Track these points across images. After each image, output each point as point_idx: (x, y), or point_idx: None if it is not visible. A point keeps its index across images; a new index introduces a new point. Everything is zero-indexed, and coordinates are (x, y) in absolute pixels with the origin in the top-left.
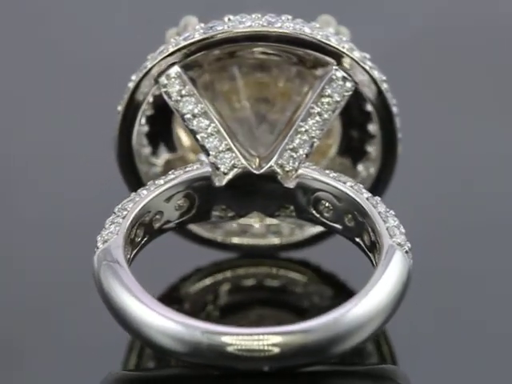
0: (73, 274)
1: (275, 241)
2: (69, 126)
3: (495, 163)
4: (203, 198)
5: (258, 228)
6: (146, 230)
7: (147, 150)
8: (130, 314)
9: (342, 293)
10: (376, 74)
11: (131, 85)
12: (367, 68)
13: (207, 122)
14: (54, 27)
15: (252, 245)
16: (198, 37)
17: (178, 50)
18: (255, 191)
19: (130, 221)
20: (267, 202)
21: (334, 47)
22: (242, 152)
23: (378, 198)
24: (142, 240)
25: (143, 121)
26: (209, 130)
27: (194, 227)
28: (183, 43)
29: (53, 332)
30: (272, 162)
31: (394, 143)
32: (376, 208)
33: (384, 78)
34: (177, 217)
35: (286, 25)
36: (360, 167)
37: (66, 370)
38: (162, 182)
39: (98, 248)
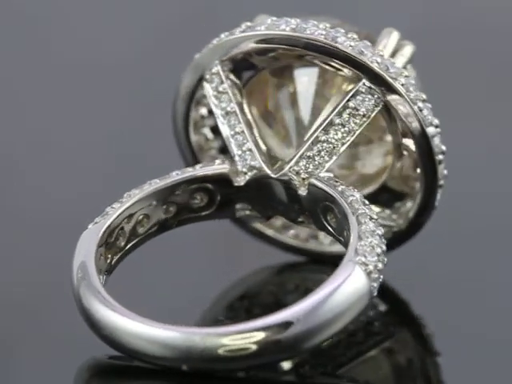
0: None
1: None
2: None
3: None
4: (224, 195)
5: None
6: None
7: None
8: (112, 328)
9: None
10: (424, 112)
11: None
12: (415, 108)
13: (235, 122)
14: (53, 26)
15: (318, 251)
16: (237, 34)
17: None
18: (274, 194)
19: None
20: (286, 206)
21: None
22: (263, 154)
23: (370, 215)
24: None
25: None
26: (236, 129)
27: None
28: (224, 38)
29: (36, 319)
30: (287, 168)
31: (433, 191)
32: (361, 225)
33: (436, 121)
34: (188, 211)
35: (347, 43)
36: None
37: (48, 354)
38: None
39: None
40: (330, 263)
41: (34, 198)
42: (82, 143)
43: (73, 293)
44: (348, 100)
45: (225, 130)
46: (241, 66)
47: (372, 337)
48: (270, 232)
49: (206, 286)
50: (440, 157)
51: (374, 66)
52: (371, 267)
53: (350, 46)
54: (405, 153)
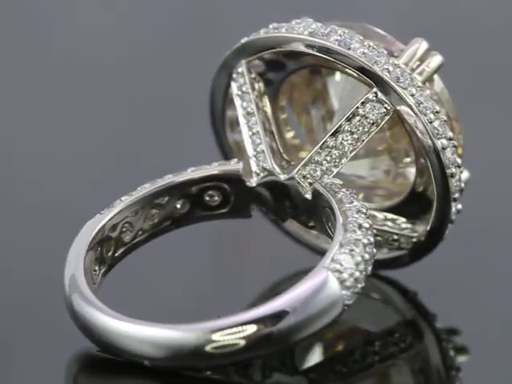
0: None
1: None
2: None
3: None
4: (238, 195)
5: None
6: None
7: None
8: (98, 328)
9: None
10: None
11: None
12: (424, 119)
13: (253, 122)
14: (52, 26)
15: None
16: (261, 35)
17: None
18: (285, 197)
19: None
20: (296, 210)
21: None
22: (277, 156)
23: (360, 224)
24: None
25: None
26: (253, 130)
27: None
28: (245, 39)
29: (24, 312)
30: (295, 171)
31: (447, 204)
32: (346, 233)
33: (449, 134)
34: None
35: (360, 50)
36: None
37: (39, 344)
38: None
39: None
40: None
41: (34, 197)
42: (81, 142)
43: (64, 299)
44: (358, 107)
45: (244, 130)
46: (270, 66)
47: (389, 347)
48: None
49: (212, 287)
50: (453, 170)
51: (383, 75)
52: (346, 275)
53: (363, 53)
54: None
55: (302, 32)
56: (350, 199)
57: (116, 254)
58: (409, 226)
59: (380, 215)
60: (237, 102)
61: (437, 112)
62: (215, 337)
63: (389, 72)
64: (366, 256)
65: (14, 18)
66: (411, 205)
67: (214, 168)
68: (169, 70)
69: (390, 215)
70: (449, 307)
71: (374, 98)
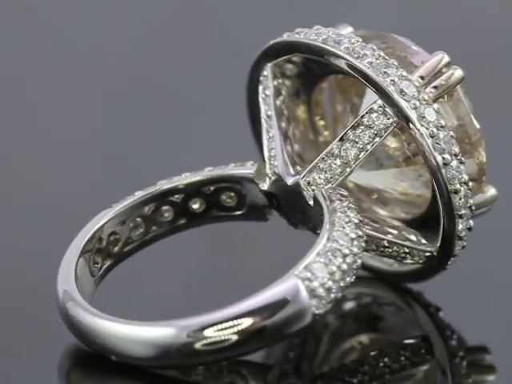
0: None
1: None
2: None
3: None
4: (253, 197)
5: None
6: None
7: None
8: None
9: None
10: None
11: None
12: (425, 132)
13: (270, 126)
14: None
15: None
16: (285, 37)
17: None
18: (294, 202)
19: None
20: (303, 215)
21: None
22: (290, 161)
23: (345, 233)
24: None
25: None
26: (270, 134)
27: None
28: (270, 43)
29: (14, 308)
30: (299, 177)
31: (451, 221)
32: (328, 241)
33: (455, 150)
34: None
35: (368, 60)
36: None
37: (32, 339)
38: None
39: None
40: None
41: (34, 197)
42: (84, 142)
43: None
44: (362, 116)
45: (263, 133)
46: (303, 67)
47: (401, 361)
48: None
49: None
50: (457, 186)
51: (386, 86)
52: (316, 284)
53: (371, 63)
54: None
55: (315, 39)
56: (345, 209)
57: (125, 249)
58: (422, 240)
59: (395, 228)
60: (261, 105)
61: (441, 126)
62: (207, 333)
63: (394, 83)
64: (344, 266)
65: (13, 20)
66: (426, 219)
67: (231, 169)
68: (169, 70)
69: (404, 228)
70: (470, 324)
71: (378, 109)
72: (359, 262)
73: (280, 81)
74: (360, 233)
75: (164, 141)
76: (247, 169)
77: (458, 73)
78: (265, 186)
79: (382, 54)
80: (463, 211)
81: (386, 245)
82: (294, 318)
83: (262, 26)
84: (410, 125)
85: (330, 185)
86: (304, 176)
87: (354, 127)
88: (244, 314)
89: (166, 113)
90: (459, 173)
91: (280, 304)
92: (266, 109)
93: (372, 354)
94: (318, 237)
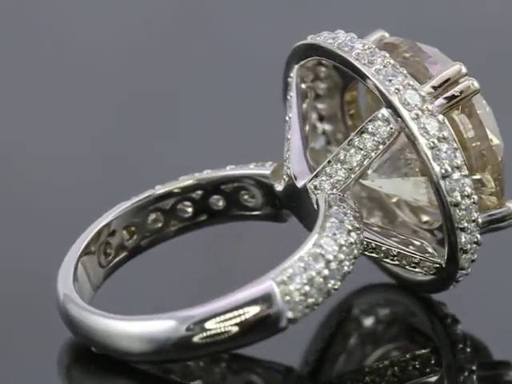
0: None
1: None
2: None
3: None
4: (269, 198)
5: None
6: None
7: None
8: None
9: None
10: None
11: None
12: (424, 143)
13: (288, 128)
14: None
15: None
16: (308, 40)
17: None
18: (303, 205)
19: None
20: (311, 219)
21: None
22: (301, 164)
23: (329, 241)
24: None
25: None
26: (288, 136)
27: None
28: (296, 44)
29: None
30: (306, 181)
31: (453, 233)
32: (313, 247)
33: (458, 162)
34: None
35: (376, 67)
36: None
37: (30, 334)
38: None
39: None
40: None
41: (34, 197)
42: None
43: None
44: (367, 123)
45: (285, 134)
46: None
47: (409, 371)
48: None
49: None
50: (457, 199)
51: (389, 94)
52: (291, 288)
53: (378, 70)
54: None
55: (331, 43)
56: (340, 215)
57: (142, 243)
58: (429, 250)
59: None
60: (286, 106)
61: (444, 138)
62: (208, 325)
63: (398, 92)
64: (326, 272)
65: (13, 20)
66: (437, 230)
67: (250, 168)
68: (171, 69)
69: (418, 238)
70: (491, 339)
71: (382, 117)
72: (347, 268)
73: (310, 84)
74: (352, 239)
75: (164, 140)
76: (266, 169)
77: (473, 85)
78: (279, 187)
79: (392, 61)
80: (466, 224)
81: (395, 254)
82: (265, 323)
83: (262, 26)
84: (410, 135)
85: (334, 190)
86: (311, 180)
87: (359, 133)
88: (210, 317)
89: (167, 113)
90: (461, 185)
91: (250, 307)
92: (288, 111)
93: (382, 363)
94: (305, 241)
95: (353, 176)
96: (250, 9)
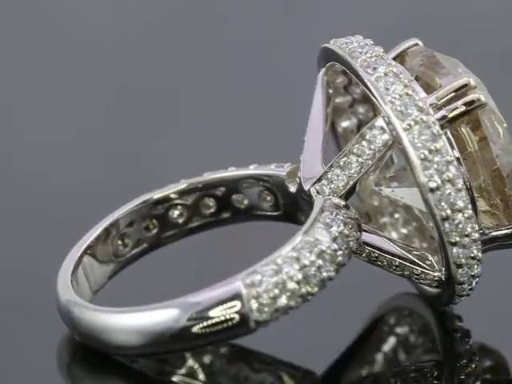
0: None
1: None
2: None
3: None
4: (286, 199)
5: None
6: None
7: None
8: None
9: None
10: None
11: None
12: (413, 154)
13: (306, 131)
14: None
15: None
16: (330, 45)
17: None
18: (311, 209)
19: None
20: None
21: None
22: (313, 166)
23: (307, 245)
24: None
25: None
26: (305, 138)
27: None
28: (325, 45)
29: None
30: (309, 184)
31: (444, 248)
32: (291, 251)
33: (449, 174)
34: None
35: (377, 75)
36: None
37: (29, 329)
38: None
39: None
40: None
41: (33, 197)
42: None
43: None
44: (365, 131)
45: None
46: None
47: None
48: None
49: None
50: (447, 212)
51: (383, 103)
52: (260, 290)
53: (378, 77)
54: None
55: (343, 47)
56: (330, 222)
57: (163, 235)
58: (430, 259)
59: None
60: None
61: (436, 150)
62: (212, 313)
63: (393, 101)
64: (299, 276)
65: (13, 20)
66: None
67: (271, 169)
68: (171, 69)
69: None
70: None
71: (378, 125)
72: (326, 274)
73: (333, 89)
74: (336, 246)
75: (165, 141)
76: (283, 170)
77: (478, 98)
78: (292, 188)
79: (395, 70)
80: (457, 239)
81: (396, 264)
82: (229, 323)
83: (262, 27)
84: (400, 145)
85: (336, 195)
86: (314, 183)
87: (357, 141)
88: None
89: (168, 113)
90: (451, 199)
91: (214, 306)
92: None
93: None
94: (286, 244)
95: (351, 183)
96: (250, 9)
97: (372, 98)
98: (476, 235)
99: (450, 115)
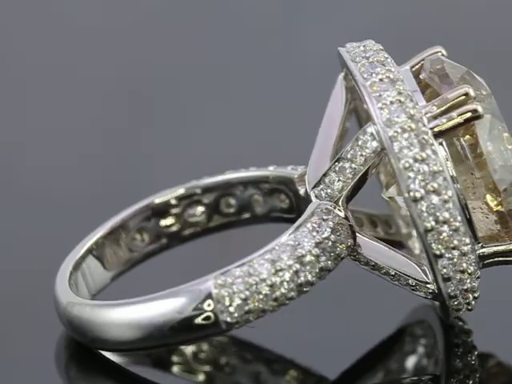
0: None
1: None
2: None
3: None
4: (299, 202)
5: None
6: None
7: None
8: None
9: None
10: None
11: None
12: (395, 164)
13: (318, 134)
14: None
15: None
16: (342, 49)
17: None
18: None
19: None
20: None
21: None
22: (319, 169)
23: (283, 249)
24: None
25: None
26: (316, 140)
27: None
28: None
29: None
30: (309, 188)
31: (430, 260)
32: (266, 253)
33: (433, 185)
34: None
35: (373, 80)
36: None
37: (27, 326)
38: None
39: None
40: None
41: (34, 196)
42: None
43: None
44: (358, 137)
45: None
46: None
47: None
48: None
49: None
50: (432, 223)
51: (373, 109)
52: (230, 291)
53: (373, 82)
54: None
55: (350, 51)
56: (316, 228)
57: (182, 233)
58: (420, 273)
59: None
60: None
61: (422, 159)
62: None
63: (383, 108)
64: (273, 280)
65: (12, 21)
66: None
67: (288, 171)
68: (172, 69)
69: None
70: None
71: (369, 132)
72: (304, 279)
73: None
74: (317, 251)
75: (166, 142)
76: (297, 173)
77: (474, 109)
78: (301, 191)
79: (392, 76)
80: (443, 251)
81: (393, 274)
82: (195, 322)
83: (262, 27)
84: (387, 153)
85: (333, 199)
86: (314, 188)
87: (351, 146)
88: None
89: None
90: (436, 210)
91: (187, 305)
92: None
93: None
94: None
95: (347, 188)
96: (251, 9)
97: (364, 103)
98: (465, 248)
99: (444, 125)
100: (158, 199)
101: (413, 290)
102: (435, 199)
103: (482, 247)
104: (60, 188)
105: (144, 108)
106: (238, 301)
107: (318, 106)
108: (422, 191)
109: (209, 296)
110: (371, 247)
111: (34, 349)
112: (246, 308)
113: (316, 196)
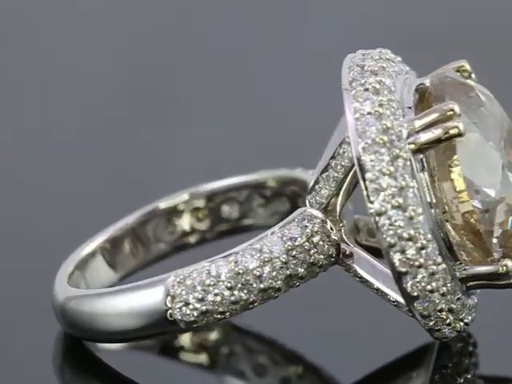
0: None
1: None
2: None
3: None
4: None
5: None
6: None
7: None
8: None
9: None
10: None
11: None
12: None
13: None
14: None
15: None
16: (347, 56)
17: None
18: None
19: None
20: None
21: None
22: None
23: (249, 253)
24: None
25: None
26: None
27: None
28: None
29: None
30: (307, 196)
31: (399, 287)
32: (233, 255)
33: (398, 200)
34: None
35: (359, 88)
36: None
37: (27, 323)
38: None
39: None
40: None
41: (33, 196)
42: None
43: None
44: (340, 146)
45: None
46: None
47: None
48: None
49: None
50: (395, 239)
51: (350, 119)
52: (188, 290)
53: (357, 92)
54: None
55: (353, 56)
56: (290, 234)
57: (215, 229)
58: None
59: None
60: None
61: (389, 173)
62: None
63: (359, 118)
64: (232, 283)
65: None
66: None
67: (299, 173)
68: (172, 70)
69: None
70: None
71: (347, 141)
72: (268, 284)
73: None
74: (285, 258)
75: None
76: (310, 176)
77: (455, 128)
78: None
79: (378, 86)
80: (408, 269)
81: (376, 288)
82: (154, 317)
83: (262, 27)
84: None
85: (322, 207)
86: (308, 194)
87: (333, 156)
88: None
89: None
90: (398, 227)
91: (143, 301)
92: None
93: None
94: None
95: (334, 197)
96: (251, 10)
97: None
98: (435, 268)
99: (421, 140)
100: (162, 204)
101: (395, 306)
102: (399, 215)
103: (464, 269)
104: (60, 188)
105: (144, 108)
106: (193, 300)
107: (318, 106)
108: (388, 206)
109: (167, 293)
110: (358, 258)
111: (33, 349)
112: (203, 309)
113: (309, 202)
